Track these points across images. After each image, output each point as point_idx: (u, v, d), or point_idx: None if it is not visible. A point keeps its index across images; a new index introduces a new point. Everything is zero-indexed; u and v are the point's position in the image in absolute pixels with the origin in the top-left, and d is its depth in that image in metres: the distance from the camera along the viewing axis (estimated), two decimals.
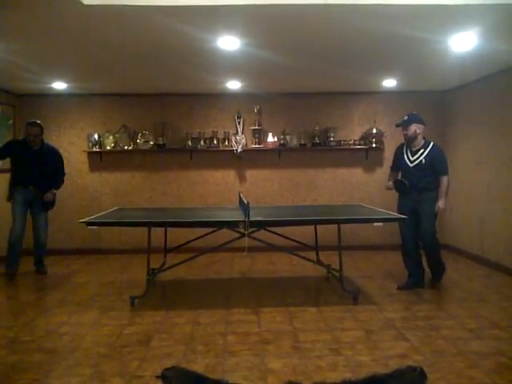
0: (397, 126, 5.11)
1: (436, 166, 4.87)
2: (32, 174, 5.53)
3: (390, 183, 5.11)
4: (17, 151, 5.56)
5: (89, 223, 4.57)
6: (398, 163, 5.13)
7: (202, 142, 6.95)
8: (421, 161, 4.88)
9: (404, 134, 4.97)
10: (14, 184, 5.62)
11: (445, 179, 4.87)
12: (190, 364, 3.14)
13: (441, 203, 4.85)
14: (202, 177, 7.15)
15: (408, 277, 5.03)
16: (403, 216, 4.68)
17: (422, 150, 4.90)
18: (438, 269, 5.09)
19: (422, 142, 4.93)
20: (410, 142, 4.95)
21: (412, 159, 4.94)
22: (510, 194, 5.51)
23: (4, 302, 4.67)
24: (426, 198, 4.86)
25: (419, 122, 4.93)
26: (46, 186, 5.60)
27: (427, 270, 5.09)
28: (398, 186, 5.02)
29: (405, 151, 5.02)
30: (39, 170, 5.55)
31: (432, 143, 4.94)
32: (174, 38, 4.09)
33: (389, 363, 3.14)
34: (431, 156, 4.86)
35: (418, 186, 4.86)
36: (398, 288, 4.97)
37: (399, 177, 5.12)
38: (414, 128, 4.87)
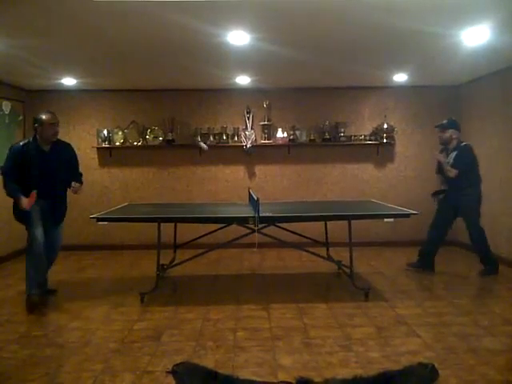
0: (436, 126, 5.49)
1: (455, 163, 5.22)
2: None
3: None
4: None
5: (99, 219, 4.61)
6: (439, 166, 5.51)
7: (211, 138, 6.94)
8: (450, 161, 5.30)
9: (439, 137, 5.43)
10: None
11: (454, 171, 5.19)
12: (200, 360, 3.14)
13: (438, 155, 5.44)
14: (212, 172, 7.14)
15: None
16: (414, 212, 4.63)
17: (454, 153, 5.30)
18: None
19: (454, 145, 5.33)
20: (444, 144, 5.42)
21: (447, 160, 5.33)
22: None
23: (15, 297, 4.70)
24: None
25: (456, 128, 5.35)
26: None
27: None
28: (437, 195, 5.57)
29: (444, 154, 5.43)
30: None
31: (463, 144, 5.33)
32: (184, 33, 4.08)
33: (400, 360, 3.13)
34: (456, 156, 5.25)
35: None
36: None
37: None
38: (450, 133, 5.31)
